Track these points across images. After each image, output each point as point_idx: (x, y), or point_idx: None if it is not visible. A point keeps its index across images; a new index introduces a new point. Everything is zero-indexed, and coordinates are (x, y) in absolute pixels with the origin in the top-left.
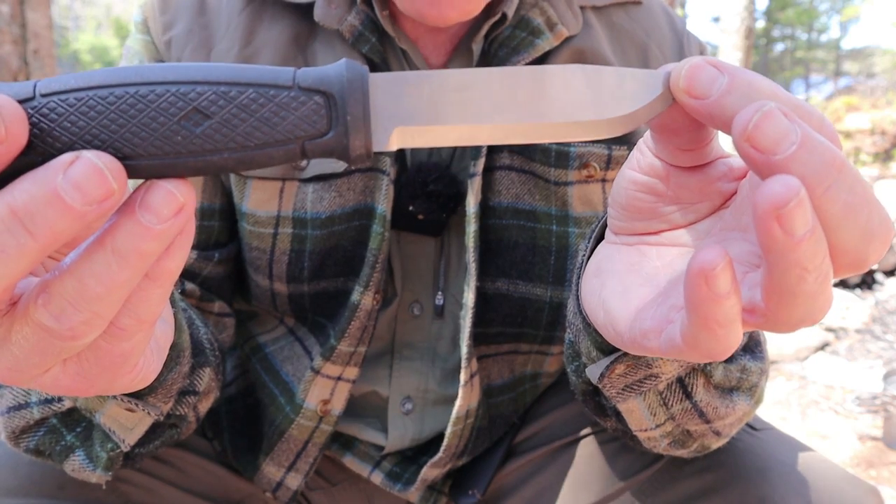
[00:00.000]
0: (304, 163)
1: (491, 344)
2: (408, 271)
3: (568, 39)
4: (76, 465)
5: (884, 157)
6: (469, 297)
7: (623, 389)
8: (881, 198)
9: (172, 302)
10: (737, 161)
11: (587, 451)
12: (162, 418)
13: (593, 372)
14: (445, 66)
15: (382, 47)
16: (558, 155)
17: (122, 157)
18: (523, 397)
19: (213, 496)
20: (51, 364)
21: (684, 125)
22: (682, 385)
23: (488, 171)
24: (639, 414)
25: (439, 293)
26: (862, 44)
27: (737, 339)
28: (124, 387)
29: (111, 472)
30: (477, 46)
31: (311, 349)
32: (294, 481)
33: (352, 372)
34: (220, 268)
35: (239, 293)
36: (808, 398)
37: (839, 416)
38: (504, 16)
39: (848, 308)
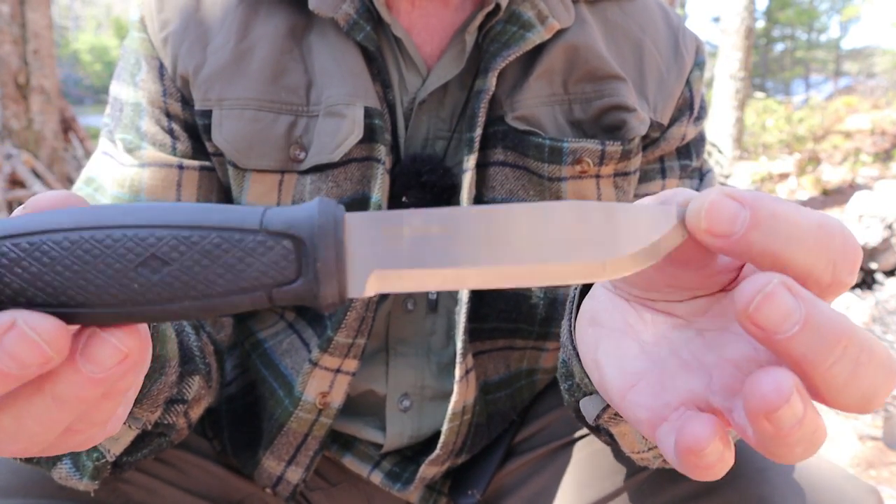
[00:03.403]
0: (301, 154)
1: (486, 340)
2: None
3: (561, 33)
4: (63, 473)
5: (884, 157)
6: (463, 292)
7: (615, 415)
8: (885, 206)
9: None
10: None
11: (586, 451)
12: (149, 427)
13: (588, 411)
14: (439, 56)
15: (377, 36)
16: (552, 150)
17: (75, 305)
18: (520, 394)
19: (214, 496)
20: None
21: (697, 256)
22: None
23: (482, 166)
24: (631, 437)
25: None
26: (862, 44)
27: (727, 467)
28: (78, 449)
29: (98, 480)
30: (470, 37)
31: (308, 341)
32: (295, 475)
33: (351, 364)
34: None
35: None
36: None
37: (839, 416)
38: (498, 6)
39: (848, 308)
